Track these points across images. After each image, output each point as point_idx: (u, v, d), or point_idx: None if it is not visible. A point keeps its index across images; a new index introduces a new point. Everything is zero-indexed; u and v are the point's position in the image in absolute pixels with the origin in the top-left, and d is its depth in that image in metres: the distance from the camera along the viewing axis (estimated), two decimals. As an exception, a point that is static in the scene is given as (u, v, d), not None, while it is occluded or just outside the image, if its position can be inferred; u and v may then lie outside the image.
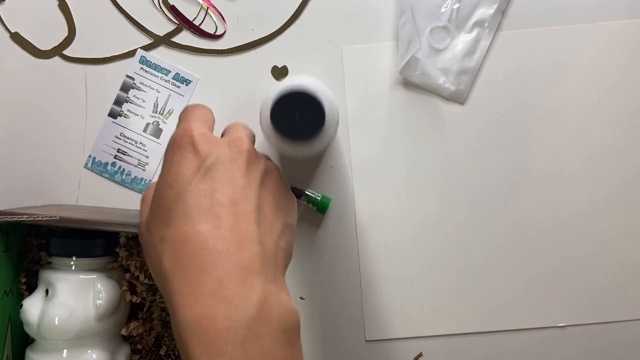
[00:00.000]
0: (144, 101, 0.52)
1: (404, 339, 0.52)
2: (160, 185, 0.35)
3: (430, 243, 0.52)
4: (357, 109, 0.52)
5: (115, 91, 0.52)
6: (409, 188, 0.52)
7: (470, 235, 0.52)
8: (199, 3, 0.52)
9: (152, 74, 0.52)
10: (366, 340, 0.52)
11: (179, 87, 0.52)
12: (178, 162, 0.34)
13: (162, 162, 0.36)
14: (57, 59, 0.52)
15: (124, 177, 0.52)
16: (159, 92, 0.52)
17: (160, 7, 0.52)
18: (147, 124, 0.52)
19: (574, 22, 0.52)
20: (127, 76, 0.52)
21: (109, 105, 0.52)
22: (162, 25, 0.52)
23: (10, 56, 0.52)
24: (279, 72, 0.52)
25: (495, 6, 0.51)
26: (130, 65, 0.52)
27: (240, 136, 0.36)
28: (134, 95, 0.52)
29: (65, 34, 0.52)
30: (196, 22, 0.52)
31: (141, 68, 0.52)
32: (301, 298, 0.52)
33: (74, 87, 0.52)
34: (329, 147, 0.52)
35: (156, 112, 0.52)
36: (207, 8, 0.52)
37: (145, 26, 0.52)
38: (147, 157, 0.52)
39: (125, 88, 0.52)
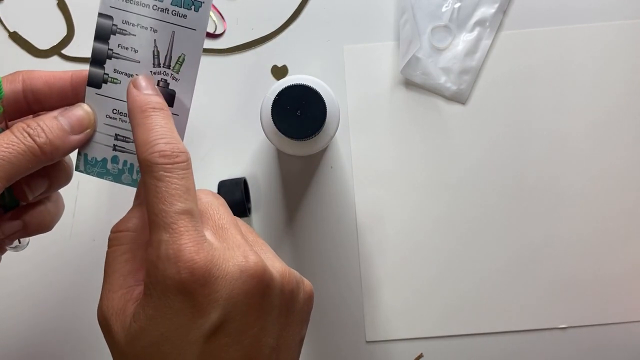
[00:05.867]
0: (136, 51, 0.33)
1: (405, 340, 0.51)
2: (149, 333, 0.27)
3: (431, 243, 0.51)
4: (357, 109, 0.52)
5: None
6: (409, 188, 0.52)
7: (472, 235, 0.51)
8: (198, 2, 0.52)
9: (138, 3, 0.32)
10: (367, 341, 0.51)
11: (184, 16, 0.33)
12: (174, 312, 0.27)
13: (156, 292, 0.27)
14: (55, 58, 0.52)
15: (134, 176, 0.35)
16: (155, 31, 0.33)
17: (160, 7, 0.52)
18: None
19: (575, 22, 0.52)
20: (101, 15, 0.33)
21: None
22: (161, 25, 0.52)
23: (8, 55, 0.52)
24: (279, 72, 0.52)
25: (496, 5, 0.51)
26: None
27: (250, 258, 0.28)
28: (119, 45, 0.33)
29: (64, 33, 0.52)
30: (196, 22, 0.52)
31: None
32: (301, 299, 0.51)
33: (72, 87, 0.52)
34: (329, 147, 0.52)
35: (160, 65, 0.33)
36: (207, 7, 0.52)
37: (145, 25, 0.52)
38: None
39: (102, 35, 0.33)
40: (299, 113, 0.40)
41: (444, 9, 0.51)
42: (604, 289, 0.51)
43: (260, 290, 0.28)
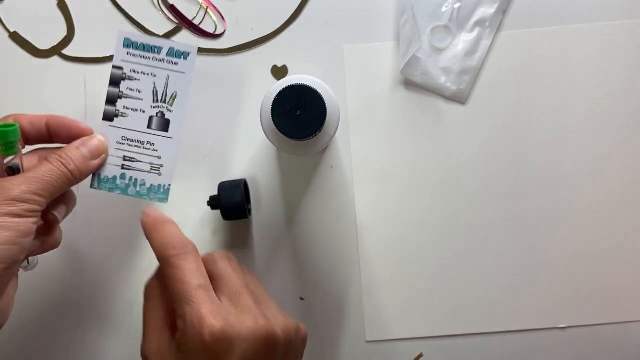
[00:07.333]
0: (140, 92, 0.43)
1: (405, 340, 0.51)
2: None
3: (431, 243, 0.51)
4: (357, 109, 0.52)
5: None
6: (409, 188, 0.52)
7: (471, 235, 0.51)
8: (198, 2, 0.52)
9: (141, 56, 0.43)
10: (366, 341, 0.51)
11: (176, 63, 0.44)
12: None
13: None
14: (56, 58, 0.52)
15: (138, 188, 0.44)
16: (154, 75, 0.44)
17: (160, 7, 0.52)
18: (151, 118, 0.44)
19: (574, 22, 0.52)
20: (115, 67, 0.44)
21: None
22: (161, 25, 0.52)
23: (9, 56, 0.52)
24: (279, 72, 0.52)
25: (496, 5, 0.51)
26: (115, 53, 0.44)
27: (258, 320, 0.36)
28: (127, 88, 0.44)
29: (64, 33, 0.52)
30: (196, 22, 0.52)
31: (128, 53, 0.43)
32: (301, 298, 0.51)
33: (72, 87, 0.52)
34: (329, 147, 0.52)
35: (158, 101, 0.44)
36: (207, 7, 0.52)
37: (145, 25, 0.52)
38: (159, 157, 0.44)
39: (115, 81, 0.44)
40: (299, 113, 0.40)
41: (443, 9, 0.51)
42: (604, 289, 0.51)
43: (268, 348, 0.35)
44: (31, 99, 0.52)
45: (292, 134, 0.40)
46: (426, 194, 0.52)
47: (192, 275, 0.35)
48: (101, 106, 0.52)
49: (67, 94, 0.52)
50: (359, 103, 0.52)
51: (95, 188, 0.44)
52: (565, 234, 0.52)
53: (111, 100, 0.44)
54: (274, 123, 0.40)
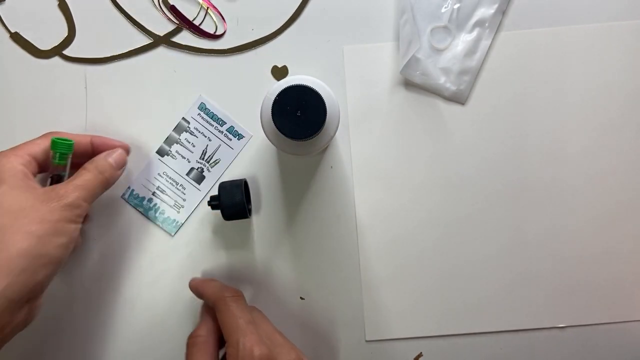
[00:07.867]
0: (194, 146, 0.52)
1: (404, 339, 0.52)
2: None
3: (431, 243, 0.52)
4: (357, 109, 0.52)
5: (116, 90, 0.52)
6: (409, 188, 0.52)
7: (471, 235, 0.52)
8: (198, 3, 0.52)
9: (207, 121, 0.52)
10: (366, 341, 0.51)
11: (230, 139, 0.52)
12: None
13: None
14: (56, 59, 0.52)
15: (156, 214, 0.52)
16: (210, 140, 0.52)
17: (160, 7, 0.52)
18: (192, 169, 0.52)
19: (574, 23, 0.52)
20: (184, 119, 0.52)
21: (110, 107, 0.52)
22: (162, 25, 0.52)
23: (10, 56, 0.52)
24: (279, 72, 0.52)
25: (495, 6, 0.51)
26: (189, 109, 0.52)
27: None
28: (186, 139, 0.52)
29: (65, 34, 0.52)
30: (196, 22, 0.52)
31: (198, 114, 0.52)
32: (301, 298, 0.52)
33: (73, 87, 0.52)
34: (329, 147, 0.52)
35: (203, 159, 0.52)
36: (207, 8, 0.52)
37: (145, 26, 0.52)
38: (184, 199, 0.52)
39: (179, 129, 0.52)
40: (299, 113, 0.40)
41: (443, 10, 0.51)
42: (603, 289, 0.52)
43: None
44: (32, 100, 0.52)
45: (292, 134, 0.40)
46: (426, 193, 0.52)
47: (243, 313, 0.43)
48: (101, 106, 0.52)
49: (68, 95, 0.52)
50: (359, 103, 0.52)
51: (124, 199, 0.52)
52: (565, 234, 0.52)
53: (169, 141, 0.52)
54: (274, 123, 0.40)
